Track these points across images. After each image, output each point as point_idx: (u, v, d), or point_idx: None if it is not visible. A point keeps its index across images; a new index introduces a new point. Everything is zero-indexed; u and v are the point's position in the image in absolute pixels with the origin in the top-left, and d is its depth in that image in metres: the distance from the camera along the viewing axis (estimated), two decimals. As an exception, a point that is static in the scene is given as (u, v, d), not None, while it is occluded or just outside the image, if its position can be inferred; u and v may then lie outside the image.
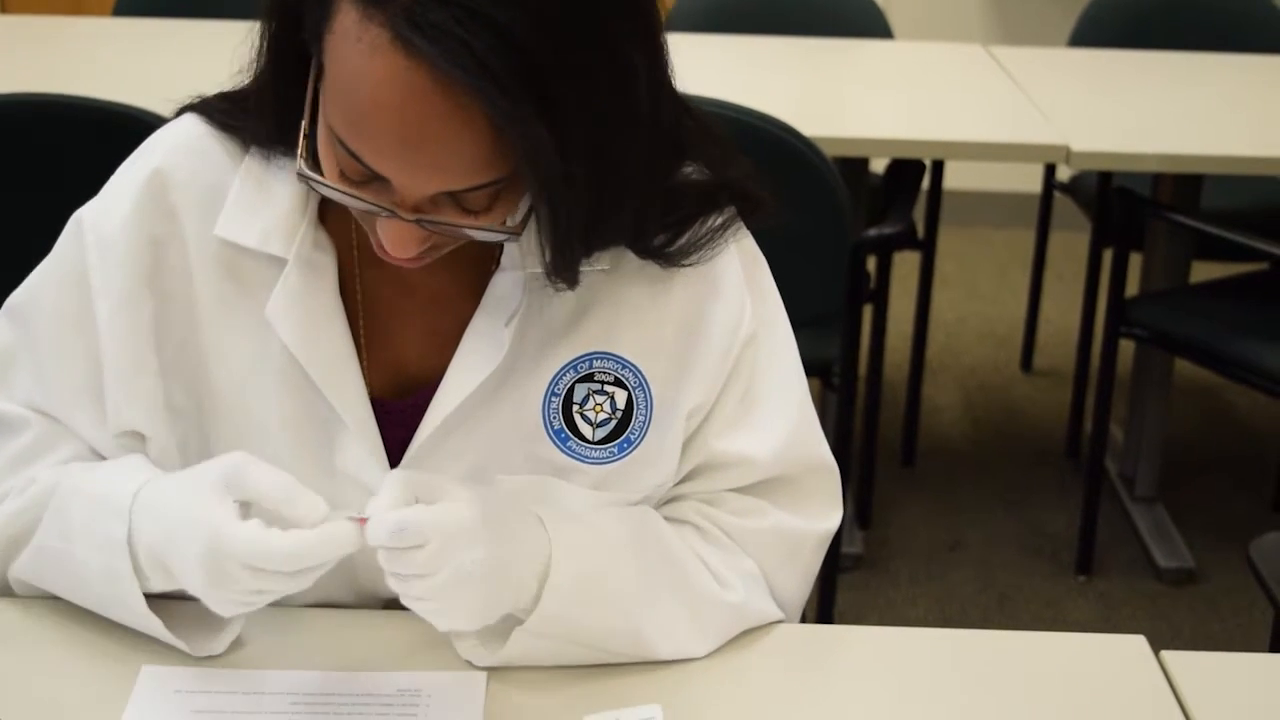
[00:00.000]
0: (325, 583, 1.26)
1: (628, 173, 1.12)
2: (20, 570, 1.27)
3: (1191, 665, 1.28)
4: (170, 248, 1.25)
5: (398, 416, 1.26)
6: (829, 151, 2.43)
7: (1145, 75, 3.21)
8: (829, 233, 2.45)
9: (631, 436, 1.26)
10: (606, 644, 1.23)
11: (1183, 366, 3.22)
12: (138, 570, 1.18)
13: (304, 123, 1.12)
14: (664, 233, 1.22)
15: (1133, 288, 2.94)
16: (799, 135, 2.40)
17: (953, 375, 3.89)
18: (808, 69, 3.19)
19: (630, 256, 1.24)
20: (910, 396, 3.41)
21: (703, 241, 1.24)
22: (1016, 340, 4.02)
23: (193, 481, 1.17)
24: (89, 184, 1.30)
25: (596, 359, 1.25)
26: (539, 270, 1.17)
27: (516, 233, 1.13)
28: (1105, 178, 3.21)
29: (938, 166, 3.34)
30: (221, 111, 1.25)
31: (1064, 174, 3.62)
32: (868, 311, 2.72)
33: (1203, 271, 3.10)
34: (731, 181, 1.26)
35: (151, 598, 1.20)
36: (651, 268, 1.24)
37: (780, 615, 1.32)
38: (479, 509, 1.14)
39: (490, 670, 1.22)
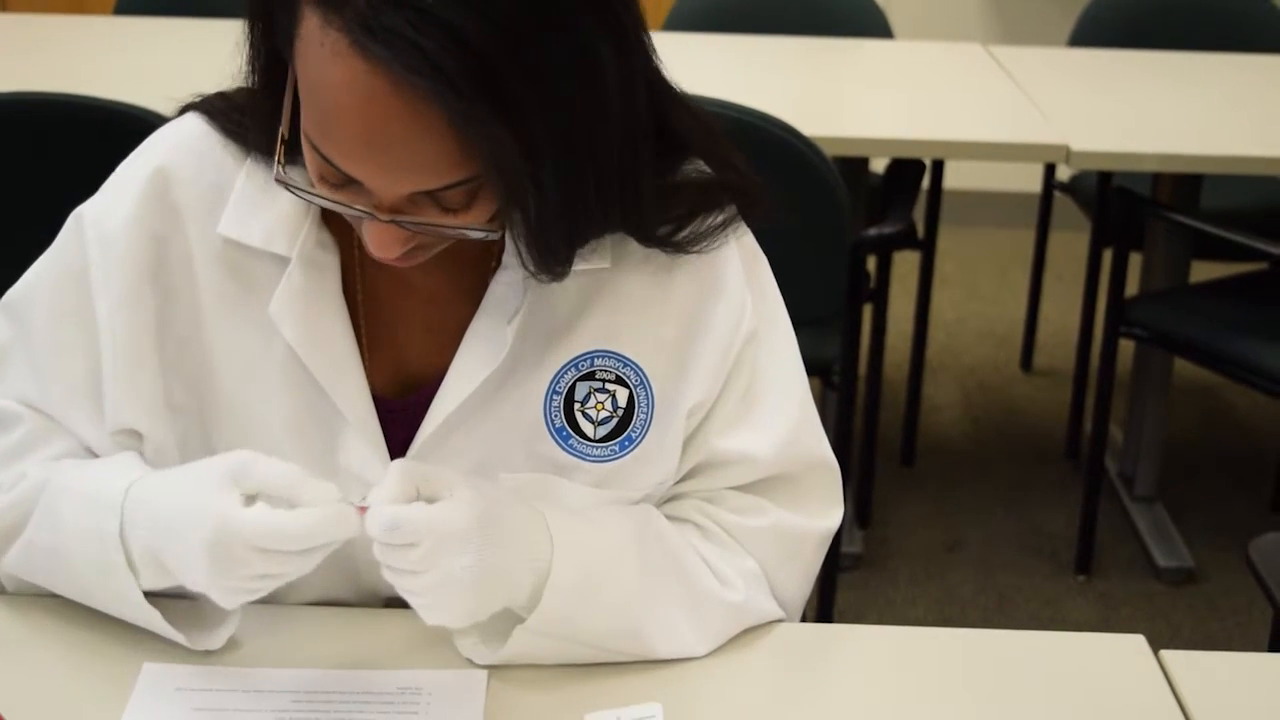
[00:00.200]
0: (327, 580, 1.26)
1: (602, 166, 1.12)
2: (11, 565, 1.27)
3: (1191, 665, 1.28)
4: (172, 246, 1.25)
5: (400, 415, 1.26)
6: (829, 151, 2.43)
7: (1145, 75, 3.21)
8: (829, 232, 2.45)
9: (633, 434, 1.26)
10: (607, 642, 1.23)
11: (1182, 366, 3.22)
12: (130, 565, 1.19)
13: (282, 128, 1.13)
14: (665, 226, 1.22)
15: (1132, 287, 2.94)
16: (799, 135, 2.40)
17: (952, 375, 3.89)
18: (808, 69, 3.19)
19: (631, 254, 1.24)
20: (910, 396, 3.41)
21: (704, 235, 1.24)
22: (1016, 340, 4.03)
23: (194, 476, 1.17)
24: (90, 183, 1.30)
25: (598, 357, 1.25)
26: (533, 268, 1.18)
27: (495, 231, 1.13)
28: (1105, 177, 3.21)
29: (937, 166, 3.34)
30: (222, 113, 1.25)
31: (1064, 174, 3.62)
32: (868, 311, 2.72)
33: (1202, 271, 3.10)
34: (732, 180, 1.26)
35: (145, 595, 1.20)
36: (653, 265, 1.25)
37: (781, 614, 1.32)
38: (476, 511, 1.14)
39: (491, 668, 1.22)
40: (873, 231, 2.58)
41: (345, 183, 1.10)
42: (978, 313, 4.27)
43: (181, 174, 1.25)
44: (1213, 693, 1.24)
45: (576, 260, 1.18)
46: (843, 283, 2.51)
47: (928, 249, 3.40)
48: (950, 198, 3.59)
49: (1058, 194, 3.68)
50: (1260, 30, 3.55)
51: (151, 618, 1.21)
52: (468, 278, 1.26)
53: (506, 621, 1.20)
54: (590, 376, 1.25)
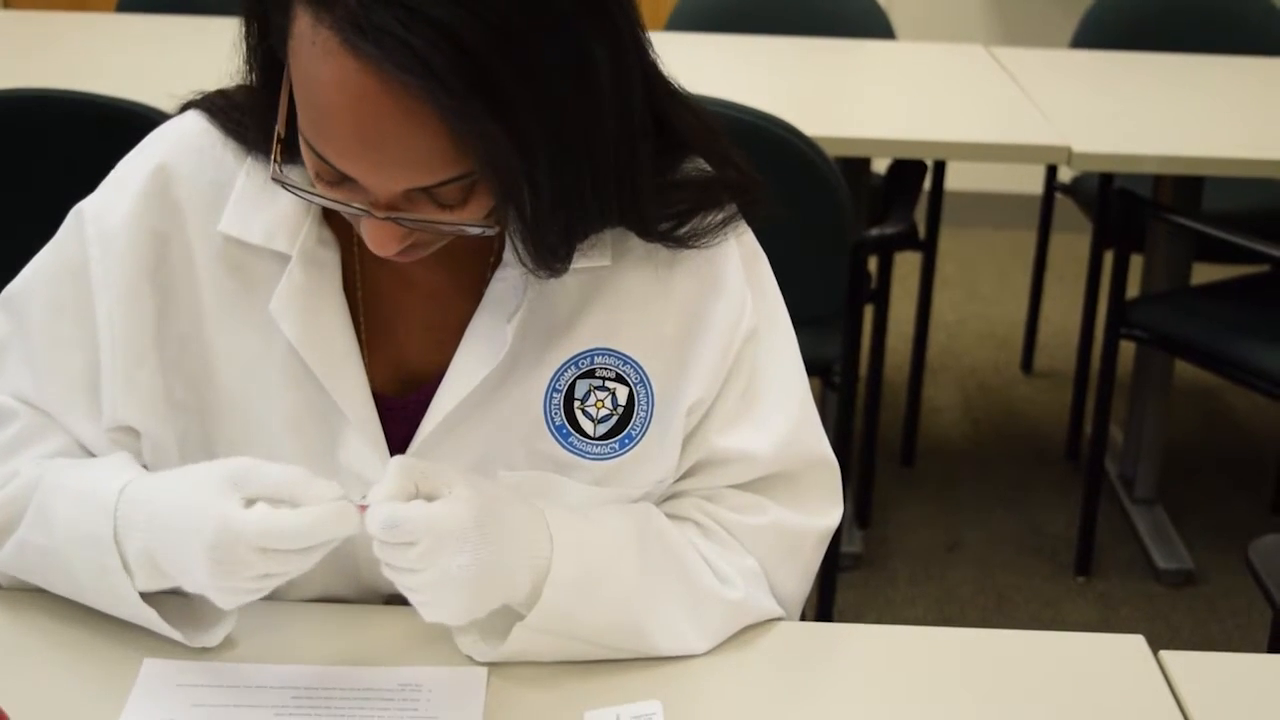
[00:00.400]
0: (328, 577, 1.26)
1: (598, 163, 1.12)
2: (3, 563, 1.27)
3: (1190, 665, 1.28)
4: (173, 243, 1.25)
5: (400, 413, 1.26)
6: (830, 151, 2.43)
7: (1147, 77, 3.21)
8: (830, 232, 2.45)
9: (633, 432, 1.26)
10: (607, 640, 1.23)
11: (1183, 368, 3.22)
12: (126, 567, 1.18)
13: (278, 127, 1.13)
14: (666, 222, 1.22)
15: (1133, 289, 2.94)
16: (800, 135, 2.40)
17: (953, 376, 3.89)
18: (810, 69, 3.19)
19: (631, 252, 1.24)
20: (910, 397, 3.41)
21: (705, 231, 1.24)
22: (1017, 341, 4.03)
23: (193, 479, 1.17)
24: (90, 179, 1.30)
25: (598, 355, 1.25)
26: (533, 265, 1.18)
27: (492, 227, 1.13)
28: (1106, 179, 3.21)
29: (939, 167, 3.34)
30: (222, 111, 1.25)
31: (1065, 175, 3.62)
32: (868, 312, 2.73)
33: (1203, 273, 3.10)
34: (732, 178, 1.26)
35: (141, 594, 1.20)
36: (653, 263, 1.25)
37: (780, 612, 1.32)
38: (475, 509, 1.14)
39: (491, 666, 1.23)
40: (874, 232, 2.58)
41: (341, 180, 1.10)
42: (978, 314, 4.27)
43: (182, 171, 1.25)
44: (1212, 693, 1.24)
45: (576, 258, 1.18)
46: (844, 283, 2.51)
47: (929, 250, 3.40)
48: (952, 199, 3.59)
49: (1059, 195, 3.68)
50: (1261, 33, 3.55)
51: (149, 617, 1.21)
52: (468, 275, 1.26)
53: (506, 619, 1.20)
54: (590, 374, 1.25)
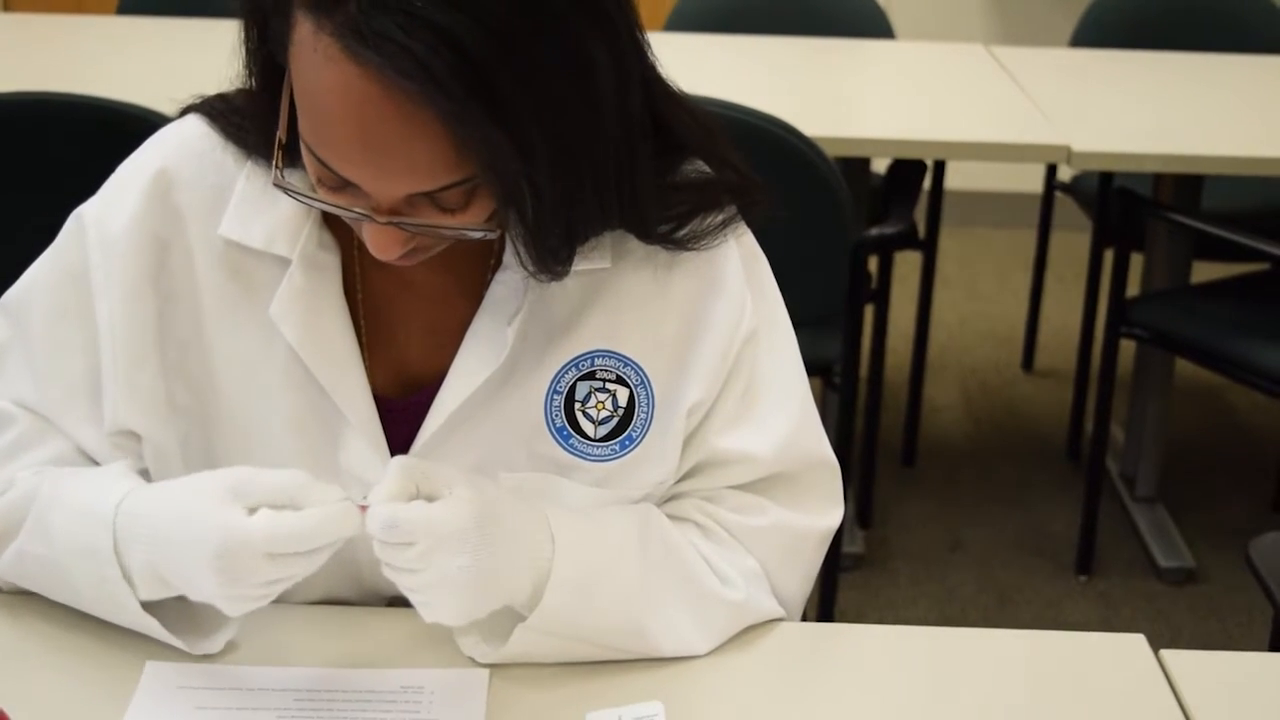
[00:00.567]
0: (330, 580, 1.26)
1: (599, 166, 1.12)
2: (3, 571, 1.27)
3: (1191, 664, 1.28)
4: (174, 247, 1.25)
5: (401, 415, 1.26)
6: (830, 151, 2.43)
7: (1146, 76, 3.21)
8: (830, 233, 2.45)
9: (633, 434, 1.26)
10: (608, 641, 1.23)
11: (1183, 367, 3.22)
12: (127, 579, 1.18)
13: (280, 133, 1.14)
14: (665, 224, 1.22)
15: (1134, 288, 2.94)
16: (800, 135, 2.40)
17: (953, 375, 3.89)
18: (809, 69, 3.19)
19: (631, 254, 1.24)
20: (911, 396, 3.41)
21: (705, 232, 1.24)
22: (1017, 340, 4.03)
23: (193, 489, 1.17)
24: (91, 183, 1.30)
25: (598, 357, 1.25)
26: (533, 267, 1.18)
27: (494, 230, 1.13)
28: (1106, 178, 3.21)
29: (939, 166, 3.34)
30: (222, 115, 1.25)
31: (1065, 174, 3.62)
32: (869, 311, 2.73)
33: (1203, 272, 3.10)
34: (731, 179, 1.26)
35: (142, 603, 1.20)
36: (652, 264, 1.25)
37: (781, 613, 1.32)
38: (475, 510, 1.14)
39: (492, 667, 1.23)
40: (874, 232, 2.58)
41: (343, 185, 1.11)
42: (979, 313, 4.27)
43: (183, 175, 1.25)
44: (1213, 693, 1.25)
45: (576, 260, 1.18)
46: (844, 283, 2.51)
47: (929, 249, 3.40)
48: (952, 198, 3.59)
49: (1059, 194, 3.68)
50: (1261, 30, 3.55)
51: (150, 625, 1.21)
52: (468, 278, 1.26)
53: (508, 620, 1.20)
54: (591, 376, 1.25)
